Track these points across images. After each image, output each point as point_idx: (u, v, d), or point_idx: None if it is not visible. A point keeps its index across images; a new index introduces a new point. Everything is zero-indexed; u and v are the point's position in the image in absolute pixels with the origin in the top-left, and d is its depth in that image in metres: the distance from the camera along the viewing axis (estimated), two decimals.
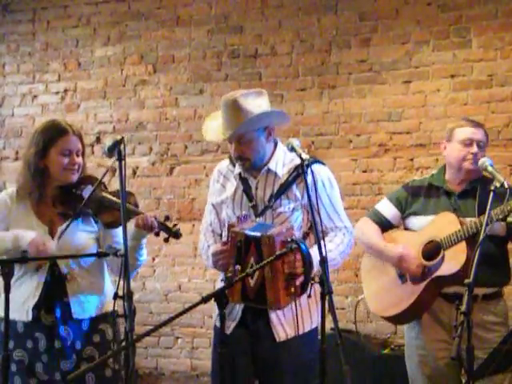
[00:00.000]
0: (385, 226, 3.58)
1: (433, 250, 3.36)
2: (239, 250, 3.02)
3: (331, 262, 3.13)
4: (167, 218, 3.10)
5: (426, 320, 3.43)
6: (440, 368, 3.37)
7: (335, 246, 3.21)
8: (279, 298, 2.96)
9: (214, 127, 3.26)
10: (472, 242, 3.22)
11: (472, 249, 3.18)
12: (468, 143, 3.42)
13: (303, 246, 2.88)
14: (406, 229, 3.57)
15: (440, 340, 3.37)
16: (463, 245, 3.26)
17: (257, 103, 3.15)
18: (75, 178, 3.18)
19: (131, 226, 3.08)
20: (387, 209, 3.59)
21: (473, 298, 3.20)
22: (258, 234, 2.99)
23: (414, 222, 3.50)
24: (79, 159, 3.18)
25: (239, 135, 3.13)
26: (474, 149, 3.40)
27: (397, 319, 3.54)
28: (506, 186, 2.90)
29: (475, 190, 3.41)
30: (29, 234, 3.07)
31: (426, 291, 3.34)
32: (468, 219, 3.31)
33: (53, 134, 3.14)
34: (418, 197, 3.53)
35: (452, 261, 3.25)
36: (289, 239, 2.90)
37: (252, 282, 3.01)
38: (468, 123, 3.49)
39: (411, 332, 3.51)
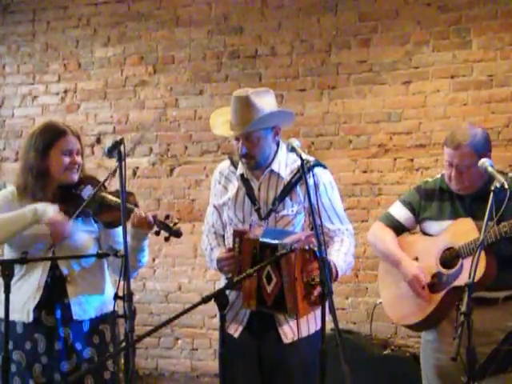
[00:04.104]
0: (398, 229, 3.49)
1: (451, 258, 3.27)
2: (255, 258, 3.01)
3: (349, 264, 3.23)
4: (167, 217, 3.10)
5: (444, 323, 3.34)
6: (456, 373, 3.29)
7: (348, 249, 3.23)
8: (298, 306, 2.94)
9: (223, 122, 3.26)
10: (491, 251, 3.14)
11: (491, 257, 3.14)
12: (448, 164, 3.32)
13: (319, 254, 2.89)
14: (423, 233, 3.49)
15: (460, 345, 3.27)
16: (482, 254, 3.06)
17: (267, 101, 3.18)
18: (76, 177, 3.18)
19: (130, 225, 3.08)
20: (400, 212, 3.50)
21: (493, 301, 3.20)
22: (274, 241, 2.97)
23: (430, 226, 3.41)
24: (79, 159, 3.18)
25: (249, 133, 3.12)
26: (453, 172, 3.29)
27: (415, 328, 3.47)
28: (506, 186, 2.89)
29: (489, 193, 3.30)
30: (48, 207, 3.06)
31: (444, 301, 3.25)
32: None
33: (52, 135, 3.14)
34: (431, 201, 3.43)
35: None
36: (306, 247, 2.91)
37: (269, 288, 3.00)
38: (450, 143, 3.31)
39: (429, 335, 3.43)
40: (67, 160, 3.14)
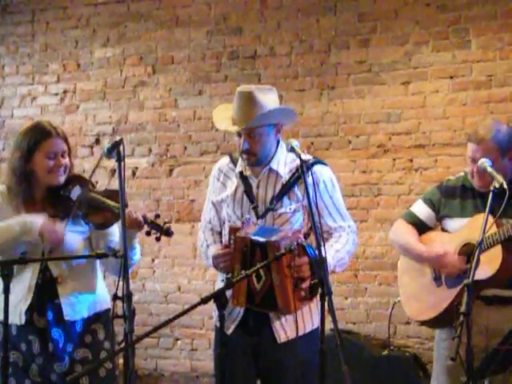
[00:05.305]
0: (420, 227, 3.46)
1: (468, 253, 3.23)
2: (245, 256, 3.01)
3: (340, 261, 3.18)
4: (157, 217, 3.08)
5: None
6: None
7: (342, 246, 3.20)
8: (289, 303, 2.94)
9: (226, 118, 3.25)
10: (508, 246, 3.11)
11: (508, 252, 3.12)
12: (471, 160, 3.28)
13: (309, 249, 2.88)
14: (443, 230, 3.46)
15: (474, 345, 3.22)
16: (499, 248, 3.13)
17: (270, 98, 3.19)
18: (62, 179, 3.15)
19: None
20: (421, 210, 3.48)
21: (511, 300, 3.16)
22: (262, 239, 2.97)
23: (451, 223, 3.38)
24: (65, 160, 3.15)
25: (251, 128, 3.12)
26: (475, 168, 3.24)
27: (431, 324, 3.44)
28: (505, 186, 2.90)
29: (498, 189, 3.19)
30: (37, 218, 3.04)
31: (460, 295, 3.09)
32: (504, 220, 3.15)
33: (36, 138, 3.11)
34: (452, 198, 3.40)
35: (487, 265, 3.08)
36: (295, 243, 2.90)
37: (258, 286, 3.00)
38: (473, 138, 3.28)
39: (443, 332, 3.41)
40: (51, 163, 3.11)
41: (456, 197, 3.40)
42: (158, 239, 3.05)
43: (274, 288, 2.95)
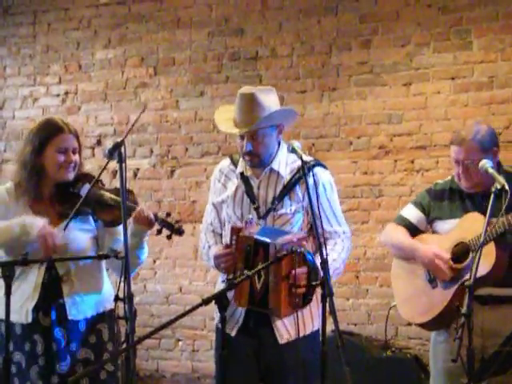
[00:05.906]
0: (411, 230, 3.47)
1: (461, 252, 3.24)
2: (247, 255, 3.02)
3: (336, 270, 3.18)
4: (168, 215, 3.09)
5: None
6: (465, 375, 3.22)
7: (338, 255, 3.21)
8: (280, 307, 2.96)
9: (227, 119, 3.26)
10: (501, 242, 3.11)
11: (501, 249, 3.11)
12: (455, 162, 3.31)
13: (309, 256, 2.88)
14: (434, 233, 3.46)
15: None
16: (491, 245, 3.11)
17: (271, 99, 3.21)
18: (71, 176, 3.16)
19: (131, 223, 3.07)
20: (412, 213, 3.49)
21: (506, 299, 3.15)
22: (267, 239, 2.98)
23: (442, 225, 3.39)
24: (75, 157, 3.16)
25: (255, 130, 3.13)
26: (460, 169, 3.27)
27: (429, 326, 3.42)
28: (507, 187, 2.89)
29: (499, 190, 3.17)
30: (37, 221, 3.03)
31: (456, 296, 3.18)
32: (494, 219, 3.07)
33: (49, 132, 3.13)
34: (441, 200, 3.42)
35: (482, 263, 2.98)
36: (298, 250, 2.89)
37: (258, 285, 3.01)
38: (454, 140, 3.31)
39: (439, 335, 3.40)
40: (62, 158, 3.12)
41: (444, 199, 3.42)
42: (169, 237, 3.06)
43: (269, 289, 2.97)
